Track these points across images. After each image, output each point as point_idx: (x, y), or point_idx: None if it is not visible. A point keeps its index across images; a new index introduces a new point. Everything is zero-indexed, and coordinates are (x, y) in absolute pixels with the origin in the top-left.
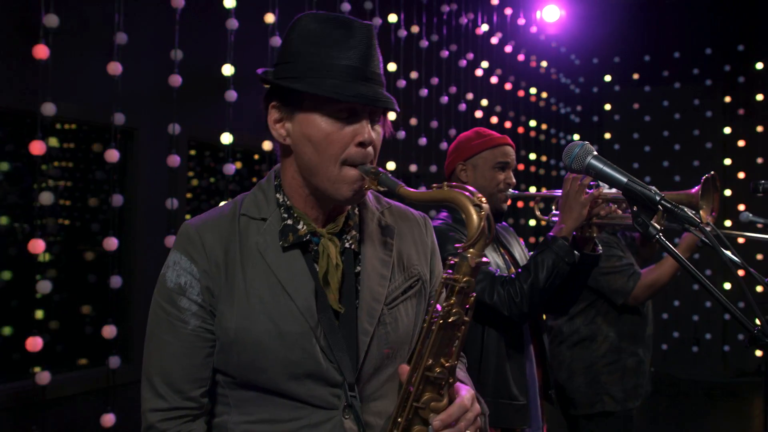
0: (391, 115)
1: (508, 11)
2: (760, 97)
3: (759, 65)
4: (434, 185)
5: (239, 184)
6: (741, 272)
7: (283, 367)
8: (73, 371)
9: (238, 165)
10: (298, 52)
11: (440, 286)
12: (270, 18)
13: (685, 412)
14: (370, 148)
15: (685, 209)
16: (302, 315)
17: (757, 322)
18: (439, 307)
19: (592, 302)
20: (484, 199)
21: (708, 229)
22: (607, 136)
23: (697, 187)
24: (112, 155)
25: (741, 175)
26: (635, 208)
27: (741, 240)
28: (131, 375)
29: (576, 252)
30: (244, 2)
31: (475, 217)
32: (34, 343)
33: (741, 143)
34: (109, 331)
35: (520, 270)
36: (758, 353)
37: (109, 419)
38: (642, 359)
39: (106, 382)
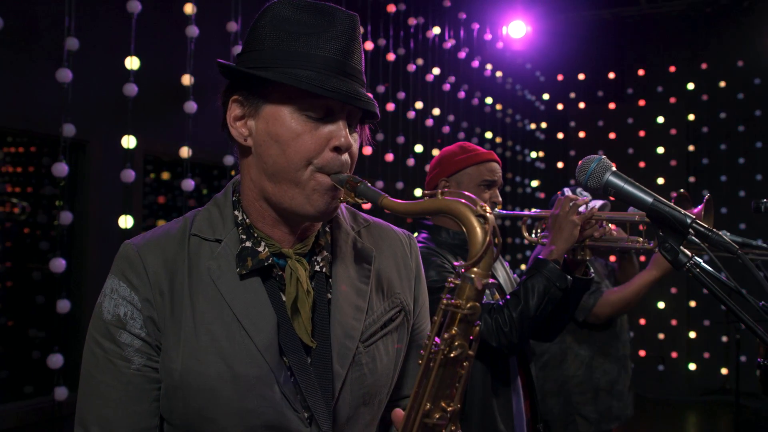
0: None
1: (475, 26)
2: (723, 114)
3: (722, 83)
4: (426, 193)
5: (198, 201)
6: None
7: (237, 418)
8: (18, 401)
9: (197, 180)
10: (268, 38)
11: (438, 314)
12: (232, 26)
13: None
14: (346, 156)
15: (720, 233)
16: (261, 355)
17: None
18: (438, 339)
19: None
20: (487, 208)
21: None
22: (572, 153)
23: (699, 207)
24: (61, 169)
25: (705, 192)
26: (661, 233)
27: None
28: None
29: (568, 276)
30: (204, 9)
31: (479, 229)
32: None
33: (705, 161)
34: (54, 360)
35: (508, 297)
36: (723, 371)
37: None
38: (615, 378)
39: (53, 413)
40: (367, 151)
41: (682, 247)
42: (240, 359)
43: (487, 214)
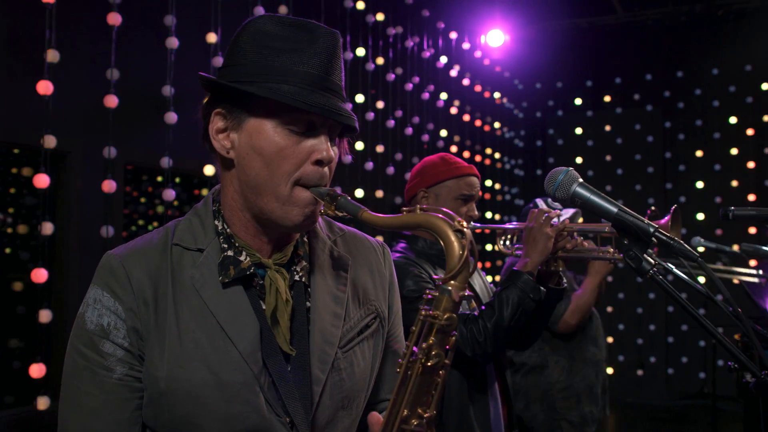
0: (380, 148)
1: (453, 35)
2: (699, 122)
3: (697, 91)
4: (404, 209)
5: (178, 210)
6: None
7: (222, 423)
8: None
9: (177, 190)
10: (250, 53)
11: (417, 324)
12: (212, 38)
13: None
14: (326, 169)
15: (682, 242)
16: (245, 361)
17: None
18: (416, 348)
19: None
20: (464, 224)
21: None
22: (551, 160)
23: (666, 218)
24: (42, 180)
25: (682, 199)
26: (626, 241)
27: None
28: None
29: (542, 288)
30: (184, 21)
31: (456, 244)
32: None
33: (682, 168)
34: (37, 369)
35: (483, 307)
36: (701, 375)
37: None
38: (592, 383)
39: (35, 423)
40: (347, 159)
41: (645, 255)
42: (224, 366)
43: (465, 230)
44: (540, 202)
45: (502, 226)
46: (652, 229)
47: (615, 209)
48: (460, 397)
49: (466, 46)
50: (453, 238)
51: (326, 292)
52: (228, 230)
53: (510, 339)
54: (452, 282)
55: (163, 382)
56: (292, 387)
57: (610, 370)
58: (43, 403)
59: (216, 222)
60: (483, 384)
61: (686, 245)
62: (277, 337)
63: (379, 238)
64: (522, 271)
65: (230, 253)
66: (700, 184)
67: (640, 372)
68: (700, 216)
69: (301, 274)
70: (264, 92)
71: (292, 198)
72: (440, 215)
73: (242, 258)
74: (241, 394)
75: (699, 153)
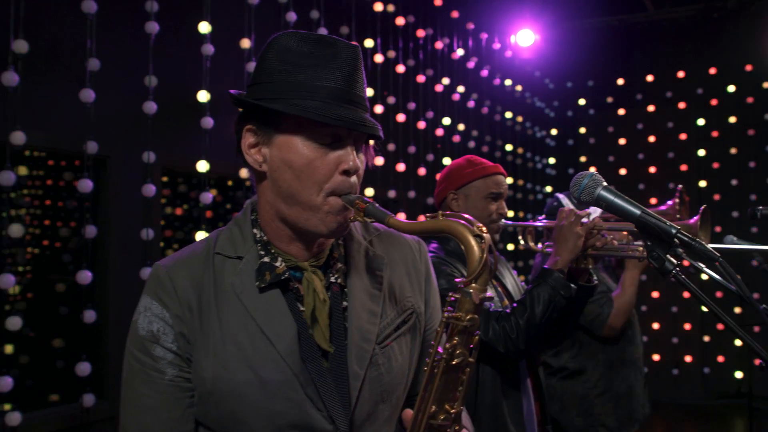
0: (411, 149)
1: (484, 36)
2: (732, 119)
3: (731, 88)
4: (428, 215)
5: (215, 212)
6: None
7: (265, 419)
8: (44, 408)
9: (213, 192)
10: (276, 71)
11: (441, 325)
12: (246, 43)
13: None
14: (354, 178)
15: (703, 243)
16: (284, 361)
17: None
18: (441, 348)
19: (574, 337)
20: (484, 229)
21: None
22: (583, 159)
23: (696, 218)
24: (86, 185)
25: (716, 197)
26: (649, 243)
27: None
28: (106, 412)
29: (572, 285)
30: (219, 27)
31: (476, 248)
32: (4, 384)
33: (715, 165)
34: (82, 368)
35: (515, 304)
36: (738, 375)
37: None
38: (633, 383)
39: (80, 419)
40: (379, 161)
41: (668, 255)
42: (265, 366)
43: (484, 234)
44: (563, 198)
45: (533, 223)
46: (674, 231)
47: (638, 211)
48: (493, 393)
49: (496, 46)
50: (473, 242)
51: (362, 291)
52: (264, 238)
53: (542, 336)
54: (473, 284)
55: (209, 383)
56: (330, 383)
57: (644, 369)
58: (88, 400)
59: (254, 230)
60: (516, 380)
61: (707, 246)
62: (316, 336)
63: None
64: (552, 269)
65: (267, 259)
66: (734, 182)
67: (675, 371)
68: (735, 214)
69: (337, 275)
70: (290, 109)
71: (324, 207)
72: (461, 221)
73: (277, 264)
74: (282, 391)
75: (733, 150)
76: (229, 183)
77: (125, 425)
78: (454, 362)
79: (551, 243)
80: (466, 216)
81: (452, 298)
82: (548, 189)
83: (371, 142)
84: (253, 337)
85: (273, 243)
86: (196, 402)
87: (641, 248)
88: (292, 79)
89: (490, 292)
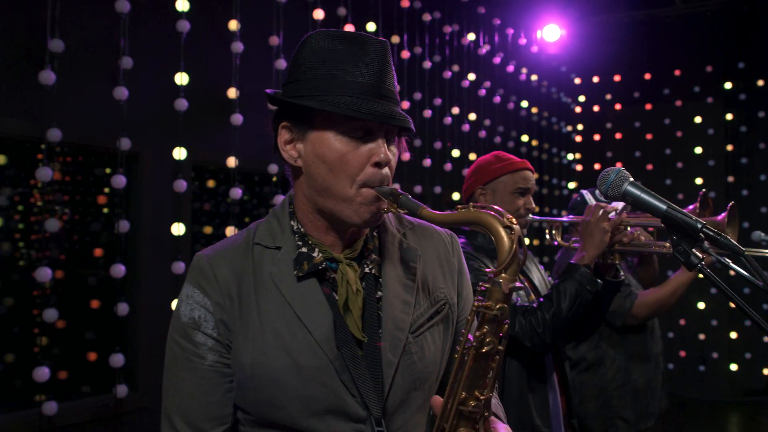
0: (438, 144)
1: (510, 31)
2: (761, 114)
3: (760, 82)
4: (459, 206)
5: (242, 207)
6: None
7: (302, 404)
8: (76, 399)
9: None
10: (309, 69)
11: (471, 314)
12: (274, 41)
13: None
14: (386, 169)
15: (729, 237)
16: (320, 348)
17: None
18: (471, 336)
19: None
20: (514, 220)
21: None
22: (609, 154)
23: (723, 214)
24: (119, 181)
25: (744, 192)
26: (674, 237)
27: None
28: (137, 403)
29: (599, 280)
30: (248, 26)
31: (506, 239)
32: (41, 374)
33: (744, 160)
34: (116, 359)
35: (542, 299)
36: (766, 372)
37: None
38: (651, 378)
39: (112, 410)
40: (406, 157)
41: (694, 249)
42: (302, 352)
43: (514, 226)
44: (587, 194)
45: (559, 219)
46: (699, 225)
47: (664, 206)
48: (519, 387)
49: (522, 41)
50: (503, 233)
51: (396, 281)
52: (302, 229)
53: (568, 330)
54: (503, 275)
55: (248, 368)
56: (364, 370)
57: (671, 366)
58: (121, 391)
59: (292, 222)
60: (542, 374)
61: (733, 240)
62: (350, 325)
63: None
64: (579, 264)
65: (304, 249)
66: (763, 177)
67: (702, 368)
68: (764, 209)
69: (371, 266)
70: (322, 105)
71: (357, 199)
72: (491, 212)
73: (315, 254)
74: (318, 377)
75: (762, 145)
76: (255, 178)
77: (168, 409)
78: (483, 350)
79: (578, 238)
80: (496, 207)
81: (482, 288)
82: (573, 185)
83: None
84: (290, 325)
85: (310, 234)
86: (235, 387)
87: (667, 245)
88: (324, 76)
89: (520, 283)
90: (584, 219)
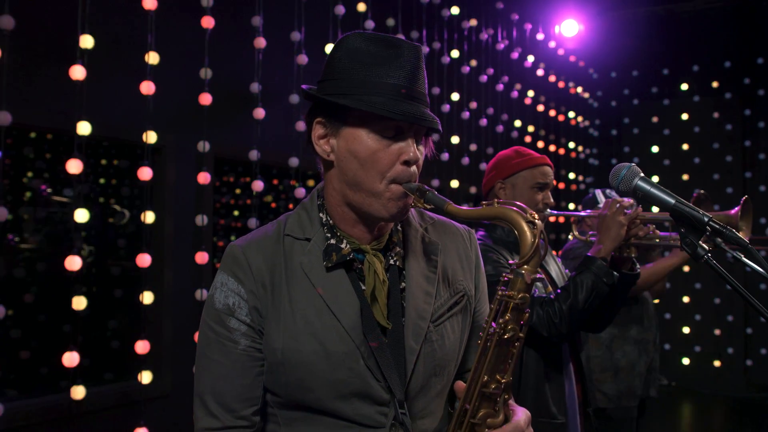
0: (455, 139)
1: (528, 26)
2: None
3: None
4: (483, 202)
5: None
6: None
7: (330, 387)
8: (100, 386)
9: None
10: (345, 69)
11: (495, 302)
12: (296, 36)
13: (708, 428)
14: (414, 167)
15: (734, 230)
16: (348, 334)
17: None
18: (494, 323)
19: None
20: (536, 216)
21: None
22: (626, 149)
23: (736, 208)
24: (145, 173)
25: (762, 188)
26: (683, 230)
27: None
28: (160, 390)
29: (615, 272)
30: (270, 21)
31: (528, 234)
32: (71, 358)
33: (762, 156)
34: (142, 346)
35: (559, 291)
36: None
37: None
38: (634, 360)
39: (136, 396)
40: (444, 157)
41: (700, 242)
42: (330, 338)
43: (536, 221)
44: (598, 193)
45: (578, 213)
46: (706, 219)
47: (673, 201)
48: (536, 376)
49: (540, 36)
50: (526, 228)
51: (419, 273)
52: (331, 222)
53: (584, 321)
54: (525, 266)
55: (279, 353)
56: (388, 356)
57: (686, 361)
58: (146, 377)
59: (321, 215)
60: (558, 363)
61: (737, 233)
62: (375, 313)
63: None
64: (596, 256)
65: (333, 241)
66: None
67: (717, 363)
68: None
69: (395, 258)
70: (357, 104)
71: (386, 193)
72: (515, 208)
73: (343, 245)
74: (345, 362)
75: None
76: (273, 171)
77: (201, 390)
78: (505, 336)
79: (595, 232)
80: (519, 203)
81: (506, 278)
82: (590, 179)
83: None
84: (320, 312)
85: (338, 226)
86: (266, 371)
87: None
88: (359, 77)
89: (541, 274)
90: (601, 213)
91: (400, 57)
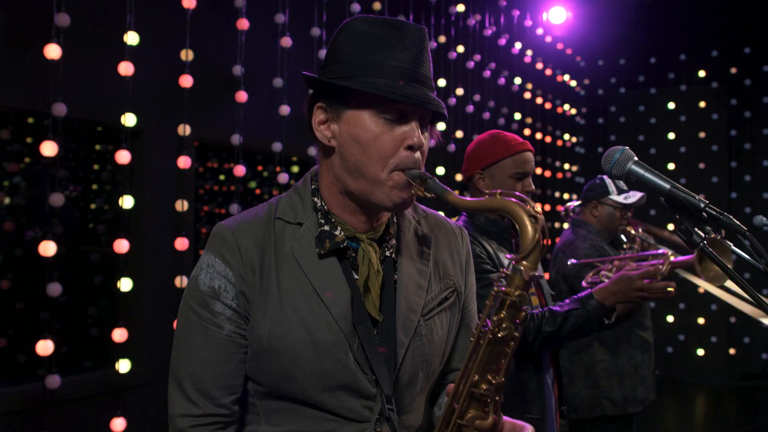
0: (441, 125)
1: (515, 13)
2: (766, 99)
3: (765, 68)
4: (487, 192)
5: (242, 185)
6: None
7: (315, 378)
8: (79, 374)
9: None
10: (347, 52)
11: (491, 299)
12: (280, 18)
13: (691, 416)
14: (418, 153)
15: (731, 217)
16: (337, 324)
17: None
18: (488, 321)
19: None
20: (539, 209)
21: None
22: (612, 138)
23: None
24: (124, 156)
25: (747, 178)
26: (678, 216)
27: None
28: (139, 379)
29: (606, 320)
30: (253, 2)
31: (530, 228)
32: (45, 347)
33: (747, 146)
34: (119, 334)
35: (546, 311)
36: (764, 356)
37: (119, 423)
38: (638, 364)
39: (114, 385)
40: (451, 148)
41: (696, 229)
42: (318, 327)
43: (538, 215)
44: (608, 180)
45: (607, 258)
46: (702, 204)
47: (668, 186)
48: (515, 371)
49: (528, 23)
50: (527, 222)
51: (411, 266)
52: (326, 207)
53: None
54: (524, 262)
55: (265, 340)
56: (377, 349)
57: (670, 349)
58: (124, 365)
59: (315, 199)
60: (539, 362)
61: (735, 220)
62: (367, 304)
63: (442, 213)
64: (601, 303)
65: (326, 228)
66: (766, 162)
67: (701, 352)
68: (766, 195)
69: (391, 251)
70: (360, 86)
71: (388, 182)
72: (517, 200)
73: (337, 232)
74: (332, 352)
75: (766, 131)
76: (258, 157)
77: (179, 374)
78: (500, 335)
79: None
80: (521, 195)
81: (503, 274)
82: (576, 168)
83: (441, 125)
84: (309, 300)
85: (334, 213)
86: (249, 358)
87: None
88: (362, 59)
89: (540, 272)
90: (631, 275)
91: (405, 39)
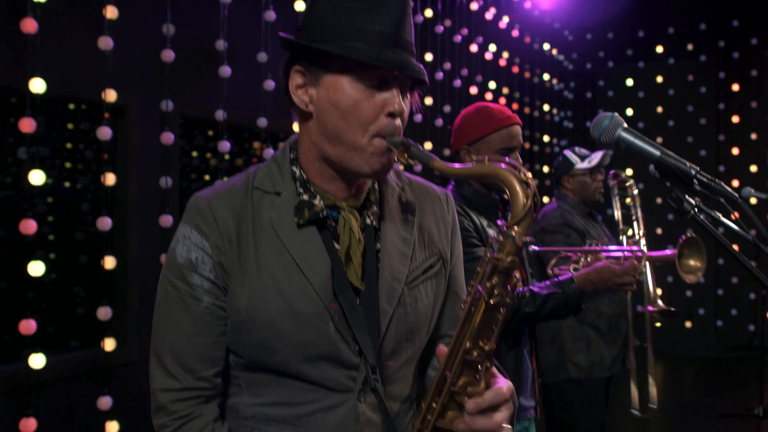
0: (428, 100)
1: None
2: (754, 72)
3: (753, 40)
4: (474, 158)
5: (230, 163)
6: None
7: (296, 349)
8: (65, 353)
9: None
10: (326, 14)
11: (482, 265)
12: None
13: (678, 387)
14: (398, 120)
15: (722, 183)
16: (317, 294)
17: None
18: (480, 287)
19: None
20: (530, 175)
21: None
22: (601, 112)
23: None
24: (105, 133)
25: (735, 151)
26: (668, 184)
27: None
28: (126, 357)
29: (582, 306)
30: None
31: (521, 195)
32: (28, 326)
33: (735, 119)
34: (104, 312)
35: (527, 293)
36: (751, 328)
37: (105, 402)
38: (606, 332)
39: (100, 364)
40: (418, 118)
41: (686, 196)
42: (298, 298)
43: (530, 181)
44: (569, 154)
45: (593, 248)
46: (693, 171)
47: (658, 152)
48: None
49: None
50: (518, 188)
51: (395, 233)
52: (304, 176)
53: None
54: (516, 228)
55: (243, 312)
56: (360, 318)
57: (657, 324)
58: (110, 344)
59: (293, 168)
60: (518, 337)
61: (727, 187)
62: (349, 273)
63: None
64: (578, 285)
65: (305, 197)
66: (753, 136)
67: (688, 324)
68: (753, 168)
69: (372, 218)
70: (340, 50)
71: (368, 148)
72: (507, 166)
73: (316, 201)
74: (313, 323)
75: (754, 104)
76: (245, 134)
77: (159, 349)
78: (492, 301)
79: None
80: (512, 161)
81: (495, 241)
82: (564, 142)
83: (429, 101)
84: (288, 270)
85: (313, 181)
86: (228, 330)
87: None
88: (342, 23)
89: (532, 237)
90: (616, 269)
91: (387, 3)
